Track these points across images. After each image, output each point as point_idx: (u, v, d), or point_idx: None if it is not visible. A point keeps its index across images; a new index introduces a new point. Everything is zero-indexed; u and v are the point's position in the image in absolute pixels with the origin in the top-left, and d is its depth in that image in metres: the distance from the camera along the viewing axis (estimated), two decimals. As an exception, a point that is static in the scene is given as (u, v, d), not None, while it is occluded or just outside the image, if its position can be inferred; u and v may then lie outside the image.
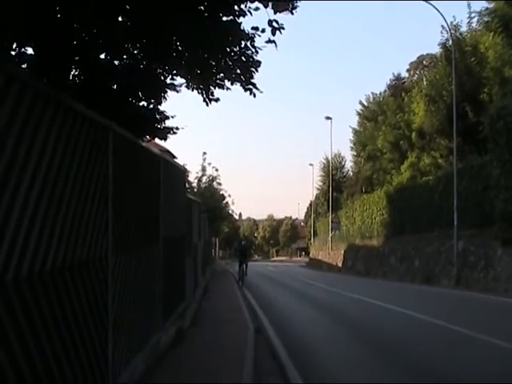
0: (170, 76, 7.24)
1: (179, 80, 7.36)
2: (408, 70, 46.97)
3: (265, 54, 6.45)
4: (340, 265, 41.40)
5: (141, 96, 7.37)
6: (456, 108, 23.00)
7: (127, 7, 5.74)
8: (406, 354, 8.64)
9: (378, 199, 35.52)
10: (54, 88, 3.75)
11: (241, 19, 6.09)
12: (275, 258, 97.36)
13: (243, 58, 6.40)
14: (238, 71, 6.54)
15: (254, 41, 6.29)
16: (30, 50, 5.88)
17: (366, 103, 48.29)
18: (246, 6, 6.01)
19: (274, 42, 6.13)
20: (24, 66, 5.86)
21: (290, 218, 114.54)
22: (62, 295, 3.72)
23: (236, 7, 5.98)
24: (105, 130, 4.80)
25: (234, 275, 29.81)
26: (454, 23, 28.57)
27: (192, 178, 34.76)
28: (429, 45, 40.49)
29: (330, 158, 57.16)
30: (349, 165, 58.39)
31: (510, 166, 17.86)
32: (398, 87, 43.78)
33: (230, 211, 47.80)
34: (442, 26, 28.21)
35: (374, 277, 30.96)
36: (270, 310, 14.35)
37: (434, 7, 24.06)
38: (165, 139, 9.19)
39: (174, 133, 8.91)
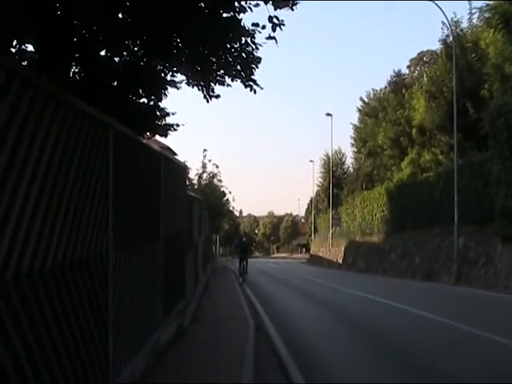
0: (171, 73, 7.25)
1: (179, 77, 7.37)
2: (408, 67, 46.93)
3: (265, 50, 6.44)
4: (340, 261, 41.42)
5: (141, 93, 7.37)
6: (456, 104, 22.97)
7: (127, 4, 5.73)
8: (406, 351, 8.63)
9: (378, 195, 35.51)
10: (55, 85, 3.74)
11: (241, 15, 6.09)
12: (276, 255, 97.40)
13: (243, 54, 6.39)
14: (239, 68, 6.53)
15: (254, 37, 6.29)
16: (30, 47, 5.88)
17: (366, 99, 48.27)
18: (246, 3, 6.00)
19: (274, 38, 6.13)
20: (24, 63, 5.86)
21: (291, 214, 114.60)
22: (62, 293, 3.72)
23: (236, 3, 5.97)
24: (105, 126, 4.79)
25: (234, 272, 29.82)
26: (455, 19, 28.54)
27: (192, 174, 34.76)
28: (429, 41, 40.72)
29: (330, 154, 57.17)
30: (349, 161, 58.44)
31: (510, 162, 17.84)
32: (398, 83, 43.71)
33: (231, 208, 47.72)
34: (443, 22, 28.20)
35: (375, 273, 30.96)
36: (270, 308, 14.35)
37: (435, 3, 23.97)
38: (165, 136, 9.20)
39: (175, 130, 8.91)
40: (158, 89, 7.45)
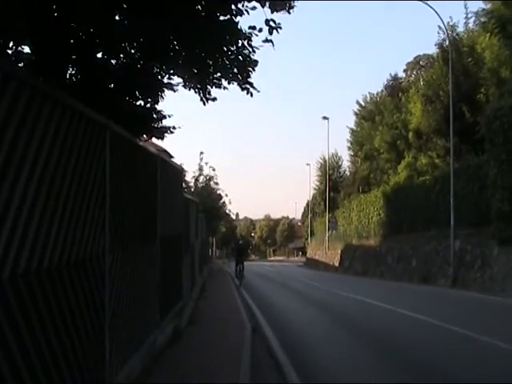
0: (167, 75, 7.26)
1: (176, 79, 7.39)
2: (405, 70, 47.01)
3: (262, 53, 6.47)
4: (337, 264, 41.41)
5: (138, 95, 7.38)
6: (453, 108, 23.06)
7: (124, 6, 5.75)
8: (405, 355, 8.61)
9: (374, 199, 35.56)
10: (51, 86, 3.75)
11: (238, 18, 6.11)
12: (272, 258, 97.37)
13: (240, 57, 6.41)
14: (235, 70, 6.55)
15: (251, 40, 6.32)
16: (26, 49, 5.89)
17: (363, 103, 48.38)
18: (243, 6, 6.03)
19: (271, 41, 6.16)
20: (21, 64, 5.86)
21: (287, 217, 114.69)
22: (59, 293, 3.72)
23: (233, 6, 5.99)
24: (102, 128, 4.80)
25: (230, 274, 29.81)
26: (451, 24, 28.70)
27: (189, 177, 34.78)
28: (426, 45, 40.94)
29: (327, 157, 57.19)
30: (346, 164, 58.60)
31: (506, 165, 17.92)
32: (394, 87, 43.79)
33: (227, 211, 47.82)
34: (439, 26, 28.43)
35: (371, 276, 30.97)
36: (267, 310, 14.35)
37: (431, 7, 24.12)
38: (162, 138, 9.22)
39: (171, 132, 8.93)
40: (155, 91, 7.46)
